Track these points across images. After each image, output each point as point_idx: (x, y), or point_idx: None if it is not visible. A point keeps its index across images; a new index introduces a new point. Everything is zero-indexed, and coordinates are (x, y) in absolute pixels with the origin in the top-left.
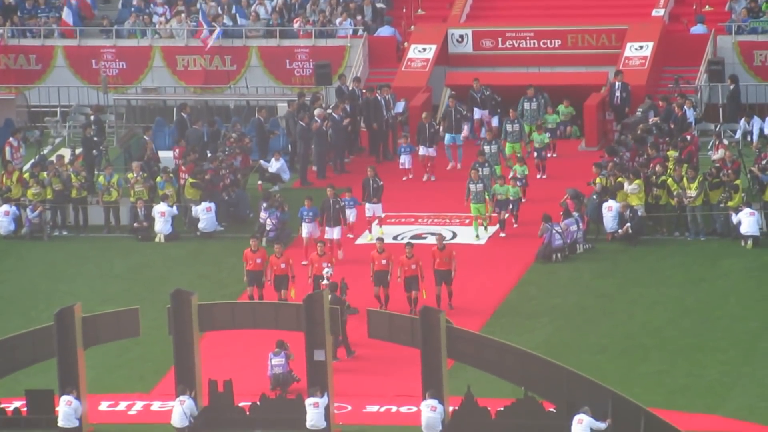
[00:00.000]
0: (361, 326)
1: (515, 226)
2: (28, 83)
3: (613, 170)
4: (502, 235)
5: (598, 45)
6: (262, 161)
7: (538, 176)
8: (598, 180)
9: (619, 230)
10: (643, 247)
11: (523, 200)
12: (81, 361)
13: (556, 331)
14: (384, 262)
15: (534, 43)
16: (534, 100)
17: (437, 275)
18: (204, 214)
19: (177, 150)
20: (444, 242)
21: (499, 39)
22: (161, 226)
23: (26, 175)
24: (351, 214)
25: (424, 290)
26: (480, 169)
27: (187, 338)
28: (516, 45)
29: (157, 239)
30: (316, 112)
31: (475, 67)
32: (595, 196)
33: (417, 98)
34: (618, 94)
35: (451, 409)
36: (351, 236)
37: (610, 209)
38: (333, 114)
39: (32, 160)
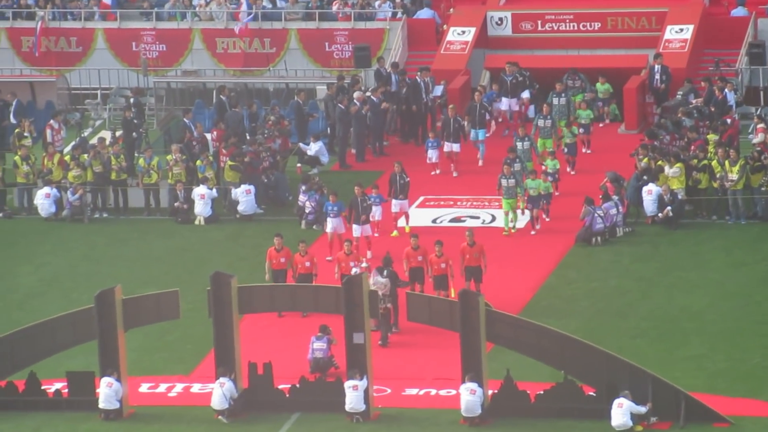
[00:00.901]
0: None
1: (547, 219)
2: (69, 66)
3: (653, 153)
4: (533, 232)
5: (637, 27)
6: (301, 144)
7: (568, 170)
8: (645, 159)
9: (659, 214)
10: (683, 230)
11: (556, 193)
12: (121, 343)
13: (596, 315)
14: (420, 258)
15: (573, 26)
16: (563, 95)
17: (467, 272)
18: (243, 196)
19: (216, 133)
20: (474, 238)
21: (539, 22)
22: (201, 208)
23: (67, 158)
24: (377, 212)
25: (453, 289)
26: (511, 164)
27: (226, 321)
28: (555, 27)
29: (196, 222)
30: (355, 95)
31: (515, 50)
32: (635, 180)
33: (456, 81)
34: (658, 77)
35: (490, 392)
36: (377, 234)
37: (650, 193)
38: (372, 97)
39: (73, 143)
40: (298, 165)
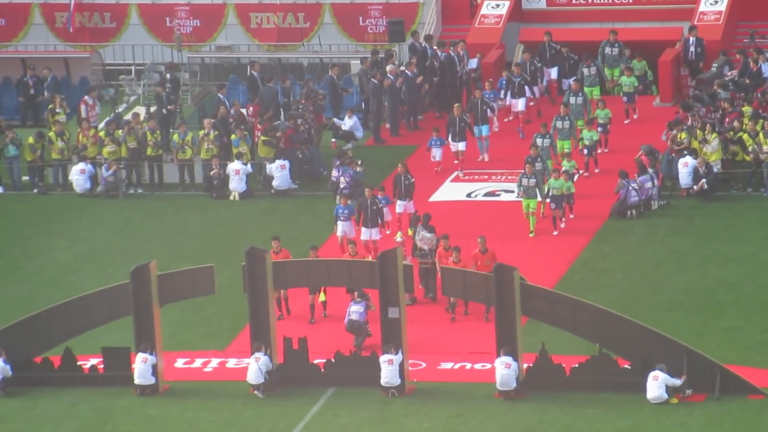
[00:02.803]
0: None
1: (572, 216)
2: (103, 41)
3: (693, 125)
4: (555, 233)
5: (672, 0)
6: (335, 119)
7: (585, 174)
8: (683, 135)
9: (695, 186)
10: (718, 203)
11: (572, 200)
12: (157, 319)
13: (631, 288)
14: (452, 260)
15: None
16: (579, 94)
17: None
18: (278, 171)
19: (252, 108)
20: (486, 244)
21: None
22: (236, 183)
23: (101, 134)
24: (386, 214)
25: None
26: (533, 162)
27: (261, 296)
28: (590, 0)
29: (231, 197)
30: (389, 68)
31: (549, 23)
32: (673, 154)
33: (490, 55)
34: (692, 49)
35: (525, 366)
36: (389, 232)
37: (685, 165)
38: (406, 71)
39: (107, 118)
40: (333, 140)
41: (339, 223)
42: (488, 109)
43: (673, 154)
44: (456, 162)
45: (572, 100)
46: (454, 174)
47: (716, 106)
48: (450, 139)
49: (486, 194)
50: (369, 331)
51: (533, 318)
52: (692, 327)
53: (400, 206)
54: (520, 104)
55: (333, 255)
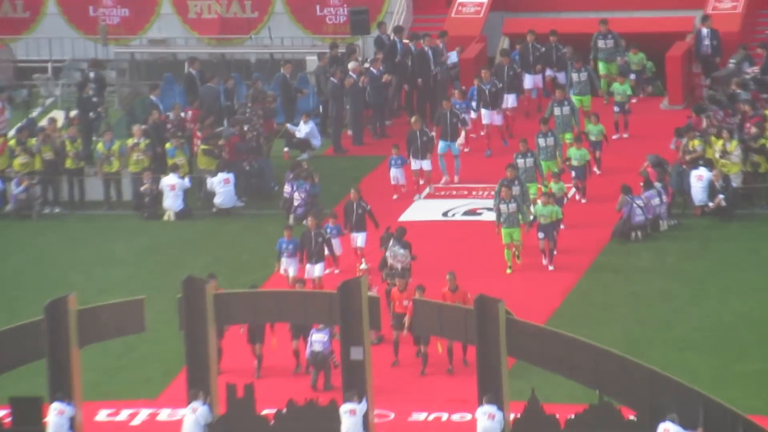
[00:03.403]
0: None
1: (554, 253)
2: (14, 34)
3: (708, 131)
4: (551, 267)
5: None
6: (288, 125)
7: (577, 197)
8: (697, 142)
9: (710, 203)
10: (738, 222)
11: (561, 226)
12: (76, 362)
13: (637, 324)
14: (406, 303)
15: None
16: (566, 102)
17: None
18: (221, 186)
19: (190, 112)
20: (456, 281)
21: None
22: (171, 201)
23: (12, 142)
24: (336, 246)
25: (438, 343)
26: (510, 185)
27: (201, 334)
28: None
29: (165, 217)
30: (351, 66)
31: (538, 13)
32: (684, 166)
33: (470, 50)
34: (707, 42)
35: (512, 416)
36: (338, 272)
37: (700, 178)
38: (371, 68)
39: (19, 125)
40: (286, 149)
41: (283, 259)
42: (459, 123)
43: (685, 166)
44: (422, 183)
45: (557, 110)
46: (426, 191)
47: (735, 109)
48: (411, 156)
49: (465, 213)
50: (336, 362)
51: (521, 359)
52: (709, 370)
53: (353, 239)
54: (494, 117)
55: None
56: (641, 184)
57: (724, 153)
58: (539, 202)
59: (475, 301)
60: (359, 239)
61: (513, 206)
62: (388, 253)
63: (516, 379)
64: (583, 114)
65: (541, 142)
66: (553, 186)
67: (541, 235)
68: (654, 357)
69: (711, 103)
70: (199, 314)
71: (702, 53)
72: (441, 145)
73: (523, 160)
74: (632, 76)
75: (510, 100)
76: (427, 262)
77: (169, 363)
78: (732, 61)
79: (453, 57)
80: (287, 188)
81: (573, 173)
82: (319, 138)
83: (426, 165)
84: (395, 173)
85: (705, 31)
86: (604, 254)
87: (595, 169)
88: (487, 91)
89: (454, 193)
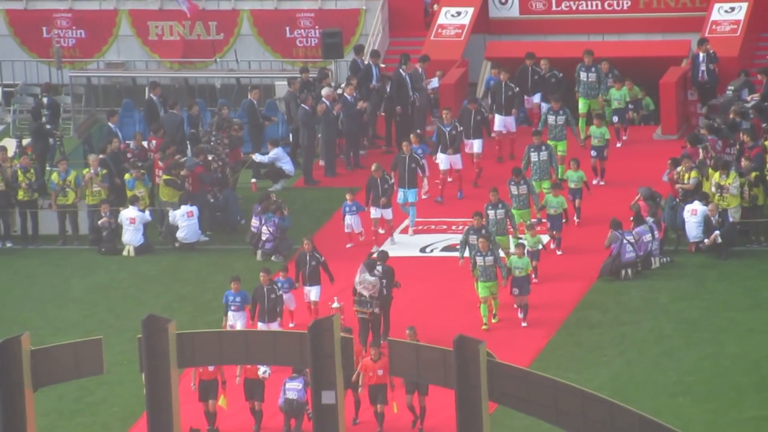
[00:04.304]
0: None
1: (522, 318)
2: None
3: (705, 162)
4: (524, 324)
5: (677, 7)
6: (256, 155)
7: (552, 246)
8: (693, 174)
9: (706, 239)
10: (735, 260)
11: (534, 279)
12: (29, 406)
13: (626, 367)
14: (381, 372)
15: (597, 5)
16: (543, 148)
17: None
18: (184, 220)
19: (154, 141)
20: (417, 336)
21: (553, 0)
22: (130, 235)
23: None
24: (289, 301)
25: (395, 402)
26: (487, 237)
27: (162, 376)
28: (574, 7)
29: (125, 252)
30: (324, 92)
31: (523, 35)
32: (677, 199)
33: (450, 75)
34: (703, 68)
35: None
36: (292, 325)
37: (694, 213)
38: (344, 95)
39: None
40: (253, 180)
41: (230, 313)
42: (418, 168)
43: (678, 199)
44: (381, 232)
45: (534, 156)
46: (387, 242)
47: (735, 139)
48: (371, 204)
49: (444, 249)
50: (309, 411)
51: (503, 404)
52: (703, 416)
53: (308, 293)
54: (453, 161)
55: None
56: (631, 218)
57: (721, 186)
58: (514, 254)
59: (455, 342)
60: (312, 293)
61: (490, 259)
62: (357, 279)
63: (498, 426)
64: (559, 161)
65: (514, 189)
66: (528, 239)
67: (515, 290)
68: (644, 402)
69: (710, 133)
70: (161, 355)
71: (698, 79)
72: (399, 194)
73: (493, 212)
74: (615, 119)
75: (476, 146)
76: (405, 301)
77: (128, 408)
78: (730, 87)
79: (434, 82)
80: (255, 222)
81: (549, 224)
82: (290, 162)
83: (387, 214)
84: (350, 221)
85: (702, 55)
86: (592, 292)
87: (574, 218)
88: (446, 133)
89: (433, 227)
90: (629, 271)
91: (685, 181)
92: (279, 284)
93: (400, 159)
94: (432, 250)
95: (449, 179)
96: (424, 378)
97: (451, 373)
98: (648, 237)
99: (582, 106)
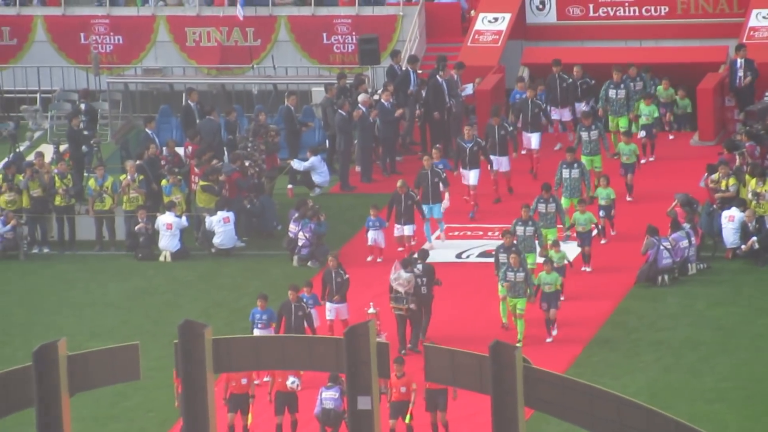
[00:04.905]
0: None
1: (554, 332)
2: (0, 63)
3: (742, 169)
4: (549, 339)
5: (715, 12)
6: (295, 160)
7: (583, 268)
8: (732, 181)
9: (743, 246)
10: None
11: (561, 298)
12: (66, 411)
13: (663, 373)
14: (404, 390)
15: (634, 11)
16: (576, 165)
17: (428, 397)
18: (220, 226)
19: (190, 148)
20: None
21: (591, 6)
22: (167, 241)
23: None
24: (315, 318)
25: (410, 413)
26: (518, 253)
27: (198, 382)
28: (611, 13)
29: (161, 258)
30: (360, 98)
31: (560, 42)
32: (714, 206)
33: (487, 81)
34: (741, 74)
35: None
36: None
37: (731, 219)
38: (381, 100)
39: (5, 160)
40: (289, 186)
41: (256, 331)
42: (440, 183)
43: (715, 206)
44: (400, 250)
45: (566, 173)
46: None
47: None
48: (397, 222)
49: (480, 255)
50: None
51: (539, 410)
52: (740, 423)
53: (330, 311)
54: (471, 177)
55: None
56: (669, 225)
57: (758, 193)
58: (543, 270)
59: (491, 348)
60: (336, 310)
61: (521, 275)
62: (392, 276)
63: None
64: (594, 176)
65: (542, 208)
66: (553, 255)
67: (544, 305)
68: (681, 409)
69: (749, 139)
70: (197, 361)
71: (736, 85)
72: (425, 209)
73: (523, 228)
74: (642, 134)
75: (503, 164)
76: (441, 306)
77: (164, 413)
78: None
79: (468, 89)
80: (293, 227)
81: (578, 241)
82: (325, 172)
83: (408, 230)
84: (373, 235)
85: (740, 61)
86: (629, 299)
87: (600, 238)
88: (467, 150)
89: (468, 233)
90: (666, 277)
91: (723, 188)
92: (304, 300)
93: (423, 175)
94: (468, 256)
95: (464, 197)
96: (460, 383)
97: (486, 379)
98: (685, 243)
99: (611, 124)
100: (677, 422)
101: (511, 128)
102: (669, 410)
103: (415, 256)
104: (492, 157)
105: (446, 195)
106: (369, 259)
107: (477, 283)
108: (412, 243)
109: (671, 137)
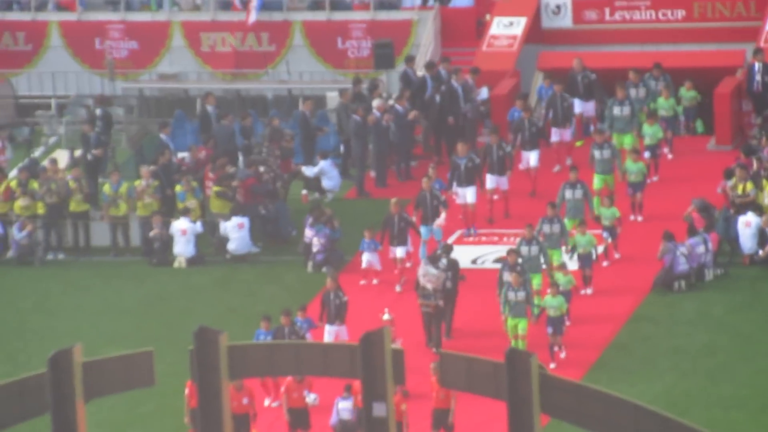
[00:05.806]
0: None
1: (562, 355)
2: (16, 68)
3: (760, 174)
4: (552, 365)
5: (733, 16)
6: (303, 167)
7: (583, 291)
8: (750, 186)
9: (760, 251)
10: None
11: (567, 322)
12: (81, 418)
13: (680, 380)
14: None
15: (651, 15)
16: (579, 186)
17: (434, 417)
18: (235, 231)
19: (204, 152)
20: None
21: (606, 10)
22: (182, 247)
23: (12, 184)
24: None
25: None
26: (521, 273)
27: (214, 388)
28: (627, 17)
29: (176, 264)
30: (375, 103)
31: (576, 46)
32: (731, 211)
33: (502, 85)
34: (759, 78)
35: None
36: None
37: (748, 225)
38: (396, 106)
39: (20, 165)
40: (304, 192)
41: None
42: (440, 205)
43: (732, 211)
44: (396, 272)
45: (569, 194)
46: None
47: None
48: (390, 243)
49: (495, 261)
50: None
51: (556, 417)
52: (758, 430)
53: (329, 333)
54: (467, 196)
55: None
56: (686, 230)
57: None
58: (548, 293)
59: (506, 354)
60: (335, 333)
61: (521, 294)
62: (420, 272)
63: None
64: (606, 194)
65: (546, 228)
66: (560, 278)
67: (550, 329)
68: (698, 416)
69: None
70: (212, 367)
71: (754, 89)
72: (423, 231)
73: (527, 248)
74: (647, 155)
75: (503, 183)
76: (456, 310)
77: (179, 418)
78: None
79: (483, 94)
80: (308, 232)
81: (578, 263)
82: (336, 177)
83: (401, 252)
84: (369, 258)
85: (757, 65)
86: (645, 305)
87: (604, 262)
88: (462, 166)
89: (483, 239)
90: (682, 283)
91: (740, 192)
92: (297, 324)
93: (422, 197)
94: (483, 262)
95: (459, 216)
96: (476, 389)
97: (502, 386)
98: (701, 249)
99: (616, 142)
100: (694, 430)
101: (509, 148)
102: (686, 417)
103: (439, 251)
104: (491, 176)
105: (443, 213)
106: (363, 282)
107: (492, 289)
108: (407, 265)
109: (683, 132)
